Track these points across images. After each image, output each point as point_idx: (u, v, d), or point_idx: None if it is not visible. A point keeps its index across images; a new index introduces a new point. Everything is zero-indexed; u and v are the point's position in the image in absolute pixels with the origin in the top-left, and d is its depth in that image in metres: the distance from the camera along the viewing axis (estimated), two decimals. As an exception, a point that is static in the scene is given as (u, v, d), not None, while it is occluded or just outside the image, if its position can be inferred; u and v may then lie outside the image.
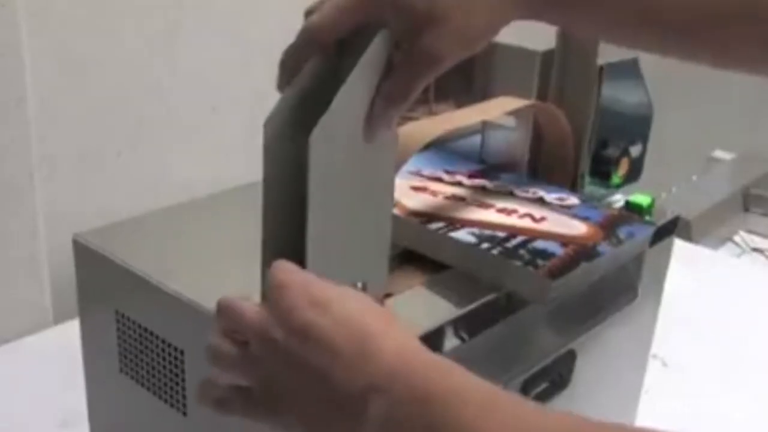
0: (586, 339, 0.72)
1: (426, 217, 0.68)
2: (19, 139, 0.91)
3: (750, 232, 1.75)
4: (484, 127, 0.81)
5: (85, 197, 1.01)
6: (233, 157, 1.16)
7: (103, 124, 1.01)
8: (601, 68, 0.77)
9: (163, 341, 0.63)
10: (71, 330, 0.74)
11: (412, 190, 0.72)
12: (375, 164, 0.54)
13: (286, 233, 0.52)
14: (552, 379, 0.71)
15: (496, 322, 0.63)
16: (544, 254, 0.65)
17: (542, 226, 0.69)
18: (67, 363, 0.76)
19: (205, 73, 1.09)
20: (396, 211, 0.66)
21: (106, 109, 1.01)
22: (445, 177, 0.76)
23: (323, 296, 0.48)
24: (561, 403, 0.72)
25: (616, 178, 0.81)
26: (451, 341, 0.60)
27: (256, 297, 0.54)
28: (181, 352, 0.62)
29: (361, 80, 0.50)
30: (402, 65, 0.52)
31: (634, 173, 0.83)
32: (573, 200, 0.74)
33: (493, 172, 0.79)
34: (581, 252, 0.66)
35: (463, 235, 0.66)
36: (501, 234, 0.67)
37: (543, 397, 0.70)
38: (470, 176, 0.78)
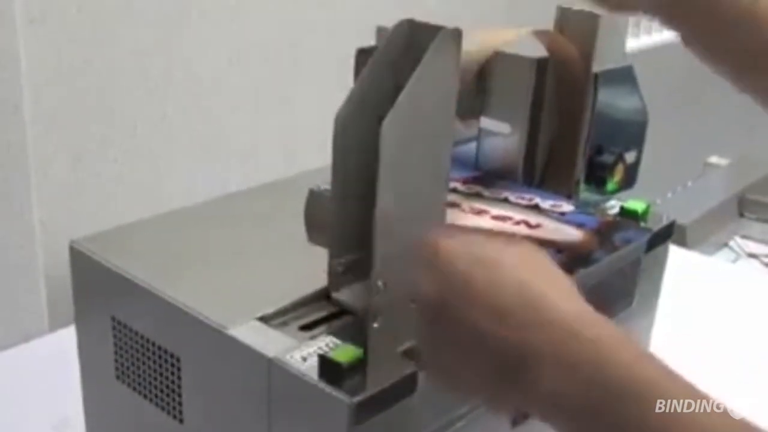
0: (581, 345, 0.72)
1: (422, 223, 0.68)
2: (15, 145, 0.91)
3: (745, 237, 1.75)
4: (480, 134, 0.81)
5: (82, 203, 1.01)
6: (230, 163, 1.17)
7: (99, 130, 1.01)
8: (596, 75, 0.77)
9: (160, 348, 0.63)
10: (67, 337, 0.74)
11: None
12: (435, 150, 0.58)
13: (355, 210, 0.56)
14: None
15: (492, 328, 0.63)
16: (540, 261, 0.65)
17: (538, 233, 0.69)
18: (63, 370, 0.76)
19: (201, 78, 1.10)
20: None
21: (102, 114, 1.01)
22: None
23: (490, 255, 0.46)
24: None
25: (611, 185, 0.81)
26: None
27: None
28: (178, 359, 0.62)
29: (425, 75, 0.54)
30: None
31: (629, 179, 0.83)
32: (568, 207, 0.75)
33: (488, 178, 0.79)
34: (577, 259, 0.66)
35: (459, 241, 0.66)
36: (497, 240, 0.67)
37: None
38: (465, 183, 0.78)
